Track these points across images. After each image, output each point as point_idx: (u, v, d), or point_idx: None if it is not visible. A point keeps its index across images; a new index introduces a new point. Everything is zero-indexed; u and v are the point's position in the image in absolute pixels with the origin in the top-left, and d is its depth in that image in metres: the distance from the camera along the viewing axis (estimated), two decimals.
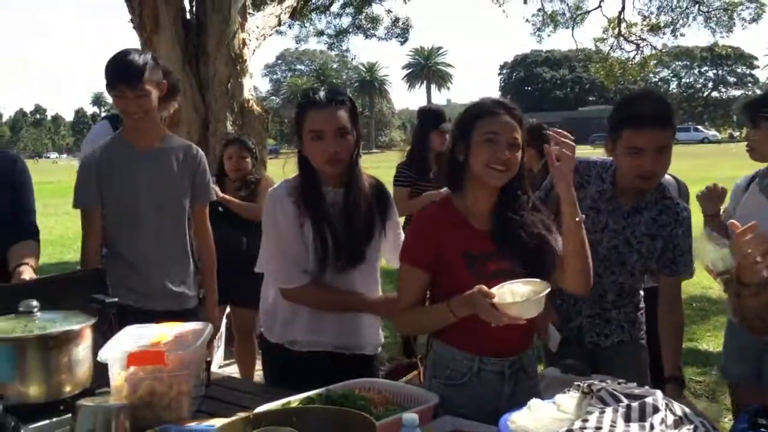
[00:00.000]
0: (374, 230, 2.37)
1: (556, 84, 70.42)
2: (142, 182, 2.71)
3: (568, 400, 1.66)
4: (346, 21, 13.13)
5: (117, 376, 1.84)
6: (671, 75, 62.82)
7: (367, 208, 2.35)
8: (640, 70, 14.62)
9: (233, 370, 4.68)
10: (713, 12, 13.10)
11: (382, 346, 2.57)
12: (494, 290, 1.83)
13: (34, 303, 1.88)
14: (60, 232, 13.46)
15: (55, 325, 1.83)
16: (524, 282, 1.86)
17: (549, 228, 2.07)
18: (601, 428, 1.39)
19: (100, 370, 1.89)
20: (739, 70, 62.25)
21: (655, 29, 13.36)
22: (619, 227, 2.50)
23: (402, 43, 14.27)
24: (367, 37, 13.33)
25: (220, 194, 4.09)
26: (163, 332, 2.05)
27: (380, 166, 12.61)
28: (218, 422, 1.65)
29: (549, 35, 14.26)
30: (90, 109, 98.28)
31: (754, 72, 62.86)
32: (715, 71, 62.81)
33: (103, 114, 67.33)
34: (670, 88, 63.00)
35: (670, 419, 1.45)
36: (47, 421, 1.78)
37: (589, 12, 13.70)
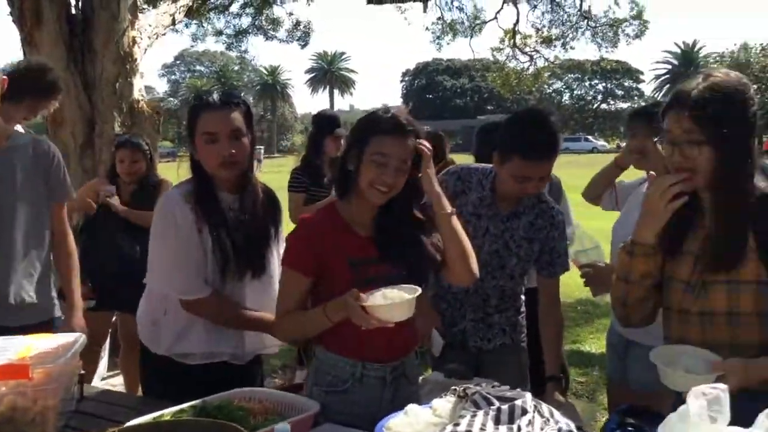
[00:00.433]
0: (271, 238, 2.34)
1: (457, 92, 72.00)
2: None
3: (444, 404, 1.69)
4: (245, 21, 12.91)
5: None
6: (564, 87, 65.52)
7: (263, 214, 2.31)
8: (534, 81, 15.20)
9: (118, 381, 4.49)
10: (600, 27, 13.78)
11: (277, 353, 2.54)
12: (368, 294, 1.85)
13: None
14: None
15: None
16: (399, 287, 1.88)
17: (429, 233, 2.11)
18: (471, 431, 1.42)
19: None
20: (626, 84, 65.59)
21: (547, 42, 13.90)
22: (498, 232, 2.58)
23: (303, 47, 14.15)
24: (267, 39, 13.14)
25: (119, 207, 4.03)
26: (31, 344, 1.94)
27: (281, 171, 12.49)
28: None
29: (448, 43, 14.58)
30: None
31: (639, 86, 66.61)
32: (604, 84, 65.95)
33: None
34: (563, 100, 65.72)
35: (538, 421, 1.50)
36: None
37: (486, 22, 14.08)
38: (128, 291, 3.45)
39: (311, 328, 2.06)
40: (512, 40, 13.77)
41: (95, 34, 5.91)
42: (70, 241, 2.76)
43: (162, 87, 79.16)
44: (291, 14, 13.57)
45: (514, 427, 1.44)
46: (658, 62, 72.33)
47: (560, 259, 2.62)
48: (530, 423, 1.46)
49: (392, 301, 1.83)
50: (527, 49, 14.02)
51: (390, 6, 12.73)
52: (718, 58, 54.86)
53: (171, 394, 2.05)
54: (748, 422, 1.18)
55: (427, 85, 73.43)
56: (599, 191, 3.32)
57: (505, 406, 1.51)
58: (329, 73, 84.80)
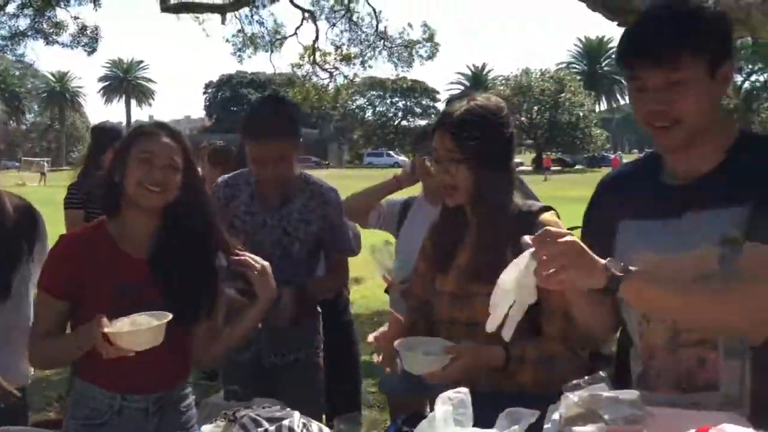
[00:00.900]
0: (20, 259, 2.13)
1: None
2: None
3: (213, 429, 1.62)
4: (23, 23, 11.89)
5: None
6: (366, 103, 67.68)
7: (12, 233, 2.12)
8: (334, 97, 15.55)
9: None
10: (395, 48, 14.45)
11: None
12: (117, 321, 1.74)
13: None
14: None
15: None
16: (151, 313, 1.79)
17: (211, 262, 2.04)
18: None
19: None
20: (424, 102, 69.19)
21: (346, 59, 14.31)
22: (275, 222, 2.61)
23: (89, 53, 13.32)
24: (48, 43, 12.19)
25: None
26: None
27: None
28: None
29: (250, 57, 14.46)
30: None
31: (436, 104, 70.65)
32: (404, 102, 69.06)
33: None
34: (366, 116, 67.84)
35: None
36: None
37: (286, 38, 14.19)
38: None
39: (65, 355, 1.93)
40: (312, 57, 14.00)
41: None
42: None
43: None
44: (77, 18, 12.67)
45: None
46: (452, 83, 77.34)
47: (341, 231, 2.69)
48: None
49: (138, 328, 1.73)
50: (327, 66, 14.33)
51: (187, 15, 12.38)
52: (503, 81, 59.74)
53: None
54: (492, 425, 1.26)
55: (232, 97, 72.20)
56: (371, 205, 3.18)
57: (272, 427, 1.49)
58: (125, 82, 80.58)
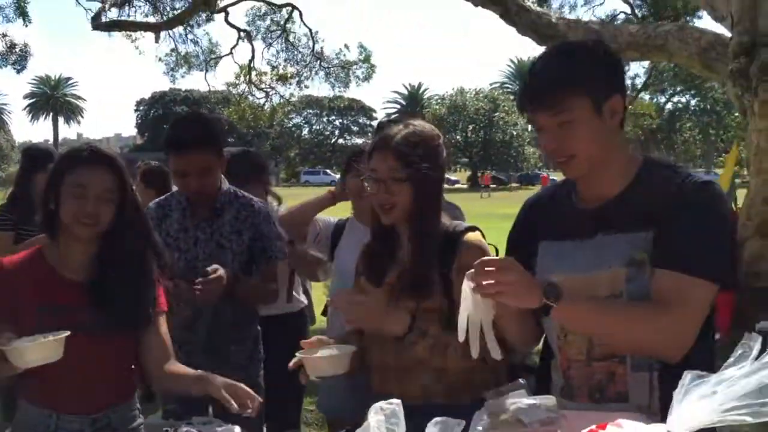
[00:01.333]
0: None
1: None
2: None
3: None
4: None
5: None
6: (303, 121, 67.60)
7: None
8: (270, 117, 15.56)
9: None
10: (332, 68, 14.59)
11: None
12: (20, 339, 1.75)
13: None
14: None
15: None
16: (55, 333, 1.78)
17: (149, 277, 2.07)
18: None
19: None
20: (360, 121, 69.59)
21: (283, 79, 14.36)
22: (207, 236, 2.68)
23: (19, 71, 12.98)
24: None
25: None
26: None
27: None
28: None
29: (183, 76, 14.34)
30: None
31: (373, 123, 71.05)
32: (341, 120, 69.31)
33: None
34: (303, 134, 67.74)
35: None
36: None
37: (221, 57, 14.15)
38: None
39: None
40: (248, 76, 13.99)
41: None
42: None
43: None
44: (5, 36, 12.34)
45: None
46: (388, 101, 77.94)
47: (272, 243, 2.75)
48: None
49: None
50: (263, 86, 14.34)
51: (119, 33, 12.21)
52: (439, 100, 60.68)
53: None
54: None
55: (164, 114, 70.81)
56: (308, 219, 3.18)
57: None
58: (53, 99, 78.19)
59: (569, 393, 1.69)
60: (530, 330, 1.78)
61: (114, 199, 1.95)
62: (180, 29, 13.30)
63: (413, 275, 1.97)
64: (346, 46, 16.35)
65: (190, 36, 13.82)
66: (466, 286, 1.50)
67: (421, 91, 76.19)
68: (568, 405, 1.59)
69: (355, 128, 69.60)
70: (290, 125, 64.37)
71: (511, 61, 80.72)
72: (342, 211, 3.20)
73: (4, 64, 12.51)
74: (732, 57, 6.73)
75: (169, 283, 2.35)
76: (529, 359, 2.08)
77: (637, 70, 18.41)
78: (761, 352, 0.95)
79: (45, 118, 79.36)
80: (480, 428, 1.28)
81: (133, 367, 2.13)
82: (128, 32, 12.06)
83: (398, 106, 76.29)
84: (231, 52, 13.64)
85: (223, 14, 12.58)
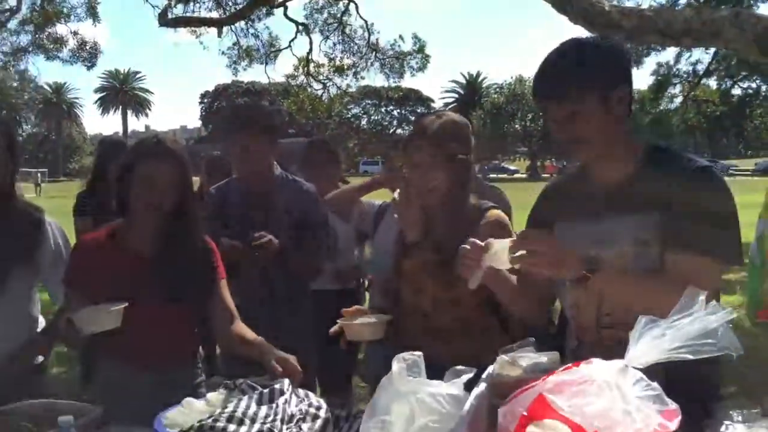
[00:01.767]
0: (20, 260, 2.35)
1: None
2: None
3: (218, 396, 1.94)
4: (24, 39, 12.19)
5: None
6: (362, 112, 68.09)
7: (16, 237, 2.34)
8: (328, 108, 15.87)
9: None
10: (387, 60, 14.80)
11: None
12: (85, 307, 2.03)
13: None
14: None
15: None
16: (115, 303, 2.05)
17: (207, 254, 2.34)
18: (236, 411, 1.69)
19: None
20: (418, 110, 69.58)
21: (339, 71, 14.65)
22: (262, 216, 2.97)
23: (89, 68, 13.63)
24: (49, 59, 12.49)
25: None
26: None
27: (67, 195, 11.82)
28: None
29: (245, 69, 14.79)
30: None
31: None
32: (399, 110, 69.49)
33: None
34: (362, 124, 68.22)
35: (294, 399, 1.81)
36: None
37: (281, 50, 14.52)
38: None
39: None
40: (306, 68, 14.32)
41: None
42: None
43: None
44: (76, 33, 12.99)
45: (273, 405, 1.74)
46: (446, 91, 77.62)
47: (319, 224, 3.04)
48: (287, 401, 1.77)
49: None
50: (320, 77, 14.66)
51: (184, 29, 12.69)
52: (497, 89, 60.16)
53: None
54: None
55: (228, 107, 72.50)
56: (354, 199, 3.51)
57: (266, 390, 1.80)
58: (122, 93, 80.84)
59: (580, 354, 1.89)
60: (532, 301, 2.01)
61: (176, 188, 2.21)
62: (241, 24, 13.74)
63: (446, 245, 2.17)
64: (401, 37, 16.54)
65: (251, 30, 14.25)
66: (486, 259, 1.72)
67: (479, 80, 75.61)
68: None
69: (413, 118, 69.60)
70: (349, 116, 64.86)
71: None
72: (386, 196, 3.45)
73: (75, 60, 13.18)
74: None
75: (227, 242, 2.64)
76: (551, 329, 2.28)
77: (699, 56, 17.98)
78: None
79: (115, 111, 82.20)
80: (488, 373, 1.49)
81: (195, 330, 2.41)
82: (193, 28, 12.53)
83: (456, 96, 75.88)
84: (290, 45, 14.03)
85: (282, 9, 12.95)
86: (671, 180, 1.74)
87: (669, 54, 19.63)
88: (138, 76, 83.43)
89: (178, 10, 12.07)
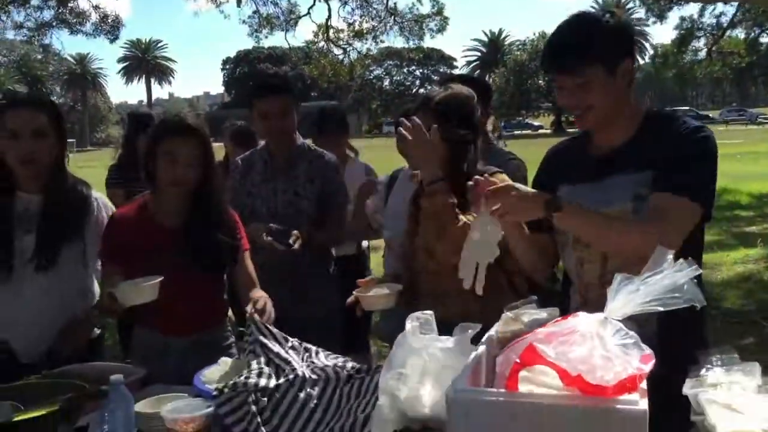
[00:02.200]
0: (71, 235, 2.44)
1: None
2: None
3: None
4: (48, 14, 12.36)
5: None
6: (384, 73, 67.62)
7: (66, 213, 2.43)
8: (349, 72, 15.90)
9: None
10: (406, 23, 14.74)
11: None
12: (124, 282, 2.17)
13: None
14: None
15: None
16: (152, 278, 2.17)
17: (231, 225, 2.49)
18: (271, 359, 1.89)
19: None
20: (441, 70, 68.94)
21: (359, 35, 14.64)
22: (285, 185, 3.13)
23: (112, 41, 13.76)
24: (72, 33, 12.65)
25: None
26: None
27: (96, 166, 12.05)
28: None
29: (266, 37, 14.83)
30: None
31: (453, 71, 70.27)
32: (421, 70, 68.89)
33: None
34: (384, 85, 67.83)
35: (322, 354, 2.01)
36: None
37: (300, 17, 14.54)
38: None
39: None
40: (326, 34, 14.34)
41: None
42: None
43: None
44: (97, 7, 13.11)
45: (307, 354, 1.95)
46: (468, 49, 76.77)
47: (340, 192, 3.21)
48: (317, 353, 1.98)
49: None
50: (340, 43, 14.67)
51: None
52: (520, 46, 59.28)
53: None
54: None
55: (250, 73, 72.47)
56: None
57: (295, 342, 2.01)
58: (145, 62, 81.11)
59: (586, 311, 2.03)
60: (540, 257, 2.13)
61: (200, 163, 2.36)
62: None
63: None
64: (419, 0, 16.42)
65: None
66: (477, 224, 1.87)
67: (502, 38, 74.52)
68: None
69: (435, 78, 68.98)
70: (371, 77, 64.48)
71: (596, 2, 77.66)
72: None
73: (98, 34, 13.32)
74: None
75: (258, 228, 2.79)
76: (555, 286, 2.42)
77: (723, 8, 17.58)
78: None
79: (138, 80, 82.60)
80: (494, 329, 1.64)
81: (225, 297, 2.59)
82: None
83: (478, 54, 74.98)
84: (309, 12, 14.02)
85: None
86: (664, 139, 1.88)
87: (693, 8, 19.24)
88: (160, 44, 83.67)
89: None
